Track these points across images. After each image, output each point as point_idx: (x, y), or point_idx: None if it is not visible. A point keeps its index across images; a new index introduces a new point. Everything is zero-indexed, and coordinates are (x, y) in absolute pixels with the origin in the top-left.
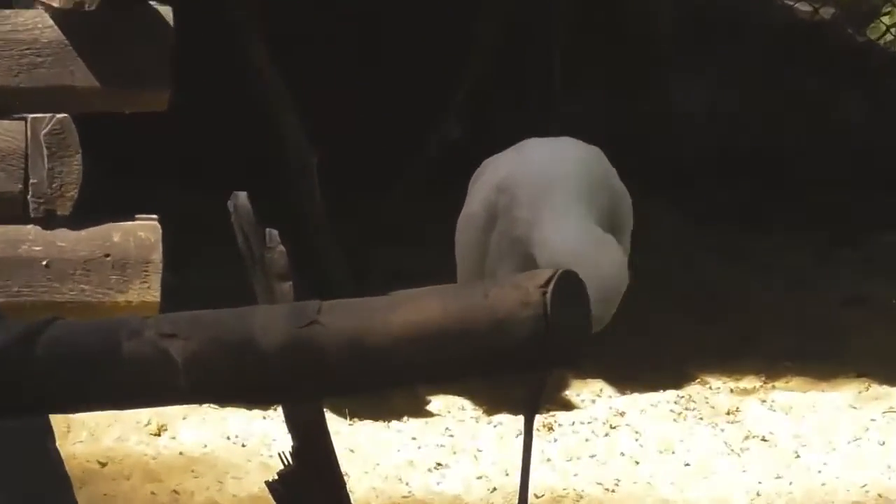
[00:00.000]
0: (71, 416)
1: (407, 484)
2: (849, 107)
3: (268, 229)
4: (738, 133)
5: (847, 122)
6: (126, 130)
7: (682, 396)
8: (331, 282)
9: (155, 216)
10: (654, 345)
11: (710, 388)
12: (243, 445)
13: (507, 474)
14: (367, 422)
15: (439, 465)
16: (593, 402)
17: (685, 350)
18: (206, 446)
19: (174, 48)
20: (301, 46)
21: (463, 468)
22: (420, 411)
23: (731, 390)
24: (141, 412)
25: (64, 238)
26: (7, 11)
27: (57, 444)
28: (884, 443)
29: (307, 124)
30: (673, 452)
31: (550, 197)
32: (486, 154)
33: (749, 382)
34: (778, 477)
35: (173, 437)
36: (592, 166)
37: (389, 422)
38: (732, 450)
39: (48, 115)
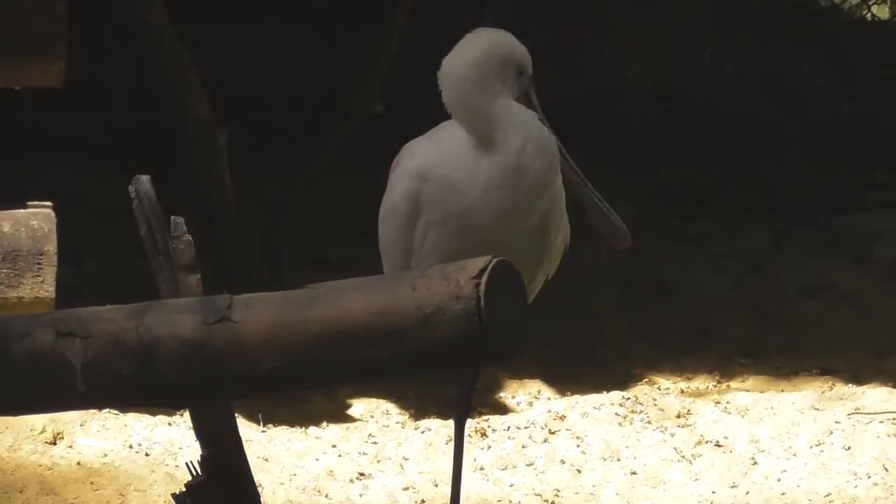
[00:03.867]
0: None
1: (326, 496)
2: (810, 76)
3: (173, 216)
4: (687, 105)
5: (808, 92)
6: (13, 105)
7: (628, 398)
8: (243, 273)
9: (49, 203)
10: (598, 342)
11: (659, 388)
12: (147, 454)
13: (435, 485)
14: (283, 428)
15: (362, 475)
16: (530, 404)
17: (631, 347)
18: (106, 455)
19: (69, 16)
20: (210, 14)
21: (388, 478)
22: (341, 416)
23: (682, 391)
24: (35, 418)
25: None
26: None
27: None
28: (849, 448)
29: (215, 99)
30: (618, 460)
31: None
32: (413, 132)
33: (701, 382)
34: (733, 486)
35: (70, 446)
36: None
37: (307, 428)
38: (683, 456)
39: None
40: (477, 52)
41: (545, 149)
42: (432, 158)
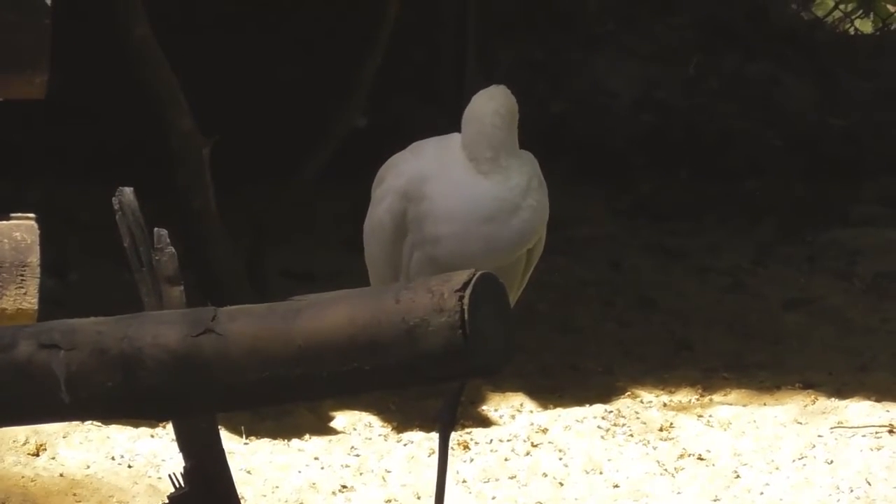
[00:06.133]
0: None
1: None
2: (793, 91)
3: (156, 229)
4: (672, 119)
5: (791, 107)
6: None
7: (611, 411)
8: (226, 287)
9: (32, 215)
10: (580, 355)
11: (642, 401)
12: (129, 466)
13: (418, 498)
14: (266, 440)
15: (344, 487)
16: (513, 417)
17: (614, 361)
18: (88, 467)
19: (52, 28)
20: (192, 27)
21: (370, 491)
22: (323, 429)
23: (665, 404)
24: (17, 430)
25: None
26: None
27: None
28: (832, 461)
29: (198, 111)
30: (601, 473)
31: None
32: (396, 145)
33: (684, 396)
34: (716, 499)
35: (53, 458)
36: None
37: (290, 440)
38: (666, 470)
39: None
40: (509, 100)
41: (543, 194)
42: (419, 178)
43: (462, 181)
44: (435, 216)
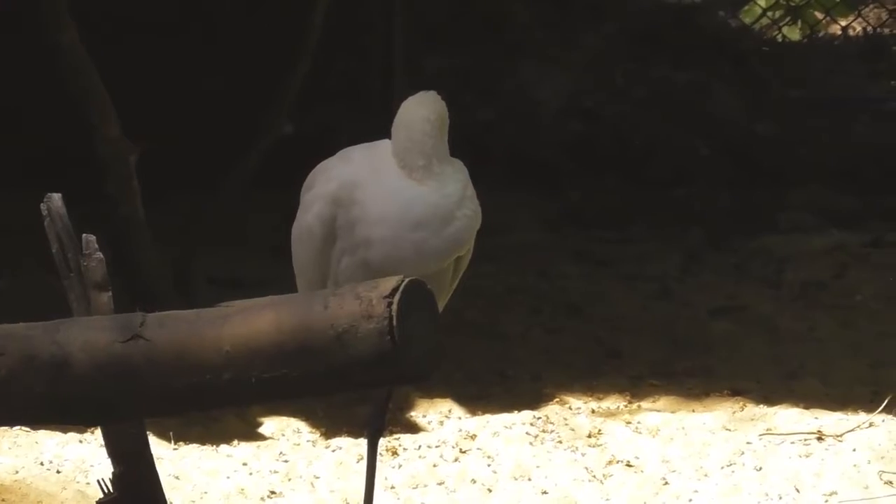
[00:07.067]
0: None
1: None
2: (721, 98)
3: (84, 234)
4: (600, 127)
5: (720, 114)
6: None
7: (540, 418)
8: (154, 292)
9: None
10: (508, 362)
11: (570, 408)
12: (58, 472)
13: (347, 503)
14: (194, 446)
15: (273, 493)
16: (441, 423)
17: (542, 368)
18: (17, 473)
19: None
20: (119, 32)
21: (299, 497)
22: (252, 434)
23: (593, 411)
24: None
25: None
26: None
27: None
28: (760, 468)
29: (128, 117)
30: (529, 479)
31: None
32: (325, 152)
33: (612, 402)
34: None
35: None
36: None
37: (218, 446)
38: (594, 476)
39: None
40: (439, 106)
41: (476, 202)
42: (350, 184)
43: (395, 187)
44: (367, 220)
